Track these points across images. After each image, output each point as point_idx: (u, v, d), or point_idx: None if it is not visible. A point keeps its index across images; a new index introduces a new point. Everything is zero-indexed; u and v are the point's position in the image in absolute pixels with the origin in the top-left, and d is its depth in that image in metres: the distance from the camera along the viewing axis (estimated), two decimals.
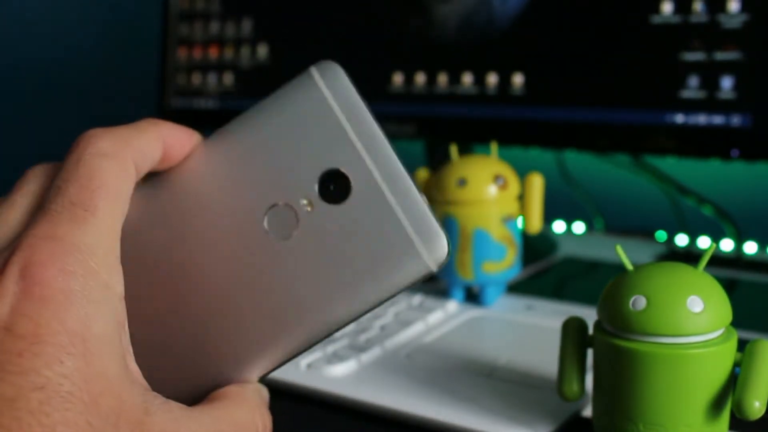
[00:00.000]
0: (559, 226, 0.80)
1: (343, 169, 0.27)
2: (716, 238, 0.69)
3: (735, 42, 0.53)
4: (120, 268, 0.25)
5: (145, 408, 0.24)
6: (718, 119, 0.54)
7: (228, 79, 0.79)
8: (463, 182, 0.52)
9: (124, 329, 0.25)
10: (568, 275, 0.65)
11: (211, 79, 0.80)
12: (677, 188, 0.72)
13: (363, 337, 0.47)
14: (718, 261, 0.66)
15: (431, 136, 0.69)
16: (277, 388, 0.42)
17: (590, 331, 0.34)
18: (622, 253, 0.33)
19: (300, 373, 0.43)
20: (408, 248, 0.26)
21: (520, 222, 0.55)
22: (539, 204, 0.55)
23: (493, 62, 0.63)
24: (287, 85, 0.28)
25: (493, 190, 0.52)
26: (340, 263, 0.26)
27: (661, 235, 0.74)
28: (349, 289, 0.26)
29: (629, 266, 0.33)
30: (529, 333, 0.49)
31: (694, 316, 0.30)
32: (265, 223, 0.27)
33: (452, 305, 0.53)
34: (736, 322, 0.32)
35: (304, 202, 0.27)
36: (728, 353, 0.31)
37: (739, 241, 0.68)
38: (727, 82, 0.53)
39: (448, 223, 0.52)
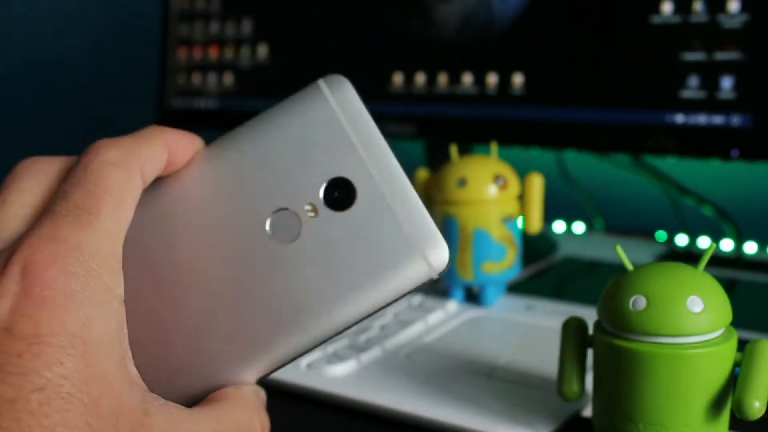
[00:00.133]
0: (559, 226, 0.80)
1: (348, 178, 0.27)
2: (716, 238, 0.69)
3: (735, 42, 0.53)
4: (121, 272, 0.25)
5: (144, 409, 0.24)
6: (718, 119, 0.54)
7: (228, 79, 0.79)
8: (463, 182, 0.52)
9: (124, 331, 0.25)
10: (568, 275, 0.65)
11: (211, 79, 0.80)
12: (677, 188, 0.72)
13: (363, 337, 0.47)
14: (718, 261, 0.66)
15: (431, 136, 0.69)
16: (277, 388, 0.42)
17: (590, 331, 0.34)
18: (622, 253, 0.33)
19: (300, 373, 0.43)
20: (410, 255, 0.27)
21: (520, 222, 0.55)
22: (539, 204, 0.55)
23: (493, 62, 0.63)
24: (294, 96, 0.29)
25: (493, 190, 0.52)
26: (341, 268, 0.27)
27: (661, 235, 0.74)
28: (350, 293, 0.27)
29: (629, 266, 0.33)
30: (529, 333, 0.49)
31: (694, 316, 0.30)
32: (268, 227, 0.27)
33: (452, 305, 0.53)
34: (736, 322, 0.32)
35: (308, 207, 0.27)
36: (728, 353, 0.31)
37: (739, 241, 0.68)
38: (727, 82, 0.53)
39: (448, 223, 0.52)
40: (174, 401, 0.25)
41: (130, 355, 0.25)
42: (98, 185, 0.25)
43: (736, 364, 0.31)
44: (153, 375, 0.26)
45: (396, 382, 0.41)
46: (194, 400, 0.27)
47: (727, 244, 0.69)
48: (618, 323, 0.31)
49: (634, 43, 0.57)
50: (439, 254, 0.27)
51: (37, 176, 0.27)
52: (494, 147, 0.56)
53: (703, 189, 0.72)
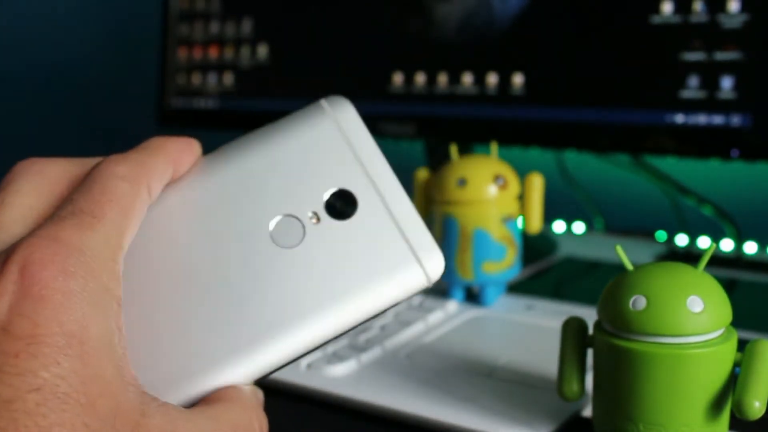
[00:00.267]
0: (559, 226, 0.80)
1: (350, 189, 0.29)
2: (716, 238, 0.69)
3: (735, 42, 0.53)
4: (120, 276, 0.25)
5: (142, 410, 0.24)
6: (718, 119, 0.54)
7: (228, 79, 0.79)
8: (463, 182, 0.52)
9: (122, 333, 0.25)
10: (568, 275, 0.65)
11: (211, 79, 0.80)
12: (677, 188, 0.72)
13: (363, 337, 0.47)
14: (718, 261, 0.66)
15: (431, 136, 0.69)
16: (277, 388, 0.42)
17: (590, 331, 0.34)
18: (622, 253, 0.33)
19: (300, 373, 0.43)
20: (407, 263, 0.28)
21: (520, 222, 0.55)
22: (539, 204, 0.55)
23: (493, 62, 0.63)
24: (296, 114, 0.30)
25: (493, 190, 0.52)
26: (340, 273, 0.28)
27: (661, 235, 0.74)
28: (348, 298, 0.27)
29: (629, 266, 0.33)
30: (529, 333, 0.49)
31: (694, 316, 0.30)
32: (271, 232, 0.28)
33: (452, 305, 0.53)
34: (736, 322, 0.32)
35: (311, 215, 0.28)
36: (728, 353, 0.31)
37: (739, 241, 0.68)
38: (727, 82, 0.53)
39: (448, 223, 0.52)
40: (172, 402, 0.25)
41: (128, 355, 0.25)
42: (104, 194, 0.25)
43: (736, 364, 0.31)
44: (151, 376, 0.26)
45: (396, 382, 0.41)
46: (192, 400, 0.27)
47: (727, 244, 0.69)
48: (618, 323, 0.31)
49: (634, 43, 0.57)
50: (435, 263, 0.28)
51: (35, 177, 0.27)
52: (494, 147, 0.56)
53: (703, 189, 0.72)
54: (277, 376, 0.42)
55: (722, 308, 0.31)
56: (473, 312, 0.53)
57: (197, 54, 0.81)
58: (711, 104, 0.54)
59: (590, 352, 0.34)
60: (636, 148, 0.59)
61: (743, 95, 0.53)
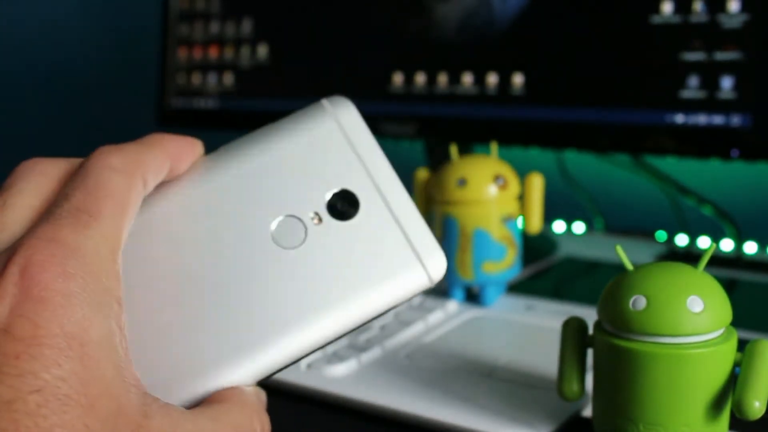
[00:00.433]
0: (559, 226, 0.80)
1: (352, 190, 0.29)
2: (716, 238, 0.69)
3: (735, 42, 0.53)
4: (120, 274, 0.25)
5: (143, 411, 0.24)
6: (718, 119, 0.54)
7: (228, 79, 0.79)
8: (463, 182, 0.52)
9: (123, 333, 0.25)
10: (568, 275, 0.65)
11: (211, 79, 0.80)
12: (677, 188, 0.72)
13: (363, 337, 0.47)
14: (718, 261, 0.66)
15: (431, 136, 0.69)
16: (277, 388, 0.42)
17: (590, 331, 0.34)
18: (622, 253, 0.33)
19: (300, 373, 0.43)
20: (409, 263, 0.28)
21: (520, 222, 0.55)
22: (539, 204, 0.55)
23: (493, 62, 0.63)
24: (297, 113, 0.30)
25: (493, 190, 0.52)
26: (342, 274, 0.28)
27: (661, 235, 0.74)
28: (350, 299, 0.27)
29: (629, 266, 0.33)
30: (529, 333, 0.49)
31: (694, 316, 0.30)
32: (272, 232, 0.28)
33: (452, 305, 0.53)
34: (736, 322, 0.32)
35: (312, 215, 0.28)
36: (728, 353, 0.31)
37: (739, 241, 0.68)
38: (727, 82, 0.53)
39: (448, 223, 0.52)
40: (174, 403, 0.25)
41: (130, 356, 0.25)
42: (99, 189, 0.25)
43: (736, 364, 0.31)
44: (152, 377, 0.26)
45: (396, 382, 0.41)
46: (194, 401, 0.27)
47: (727, 244, 0.69)
48: (618, 323, 0.31)
49: (634, 43, 0.57)
50: (438, 263, 0.28)
51: (37, 178, 0.26)
52: (494, 147, 0.56)
53: (703, 189, 0.72)
54: (276, 375, 0.42)
55: (722, 308, 0.31)
56: (473, 312, 0.53)
57: (197, 54, 0.81)
58: (711, 104, 0.54)
59: (590, 352, 0.34)
60: (636, 148, 0.59)
61: (743, 95, 0.53)
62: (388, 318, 0.50)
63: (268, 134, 0.30)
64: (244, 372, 0.27)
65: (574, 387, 0.34)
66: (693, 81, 0.54)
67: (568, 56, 0.60)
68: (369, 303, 0.27)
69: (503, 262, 0.53)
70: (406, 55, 0.67)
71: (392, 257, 0.28)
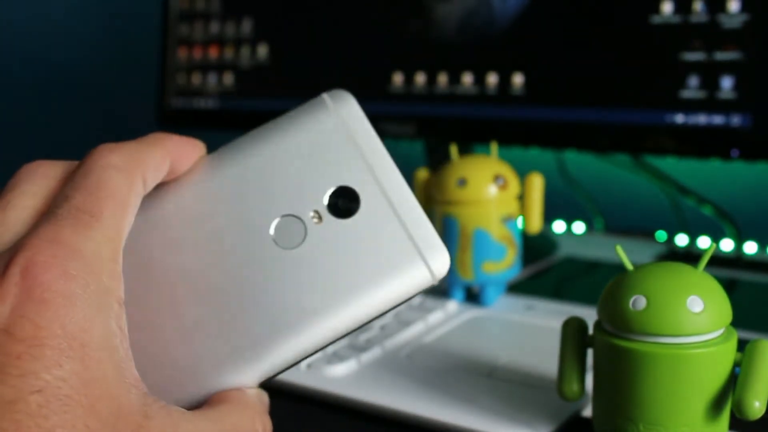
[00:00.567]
0: (559, 226, 0.80)
1: (352, 187, 0.28)
2: (716, 238, 0.69)
3: (735, 42, 0.53)
4: (121, 274, 0.25)
5: (144, 412, 0.24)
6: (718, 119, 0.54)
7: (228, 79, 0.79)
8: (463, 182, 0.52)
9: (124, 334, 0.25)
10: (568, 275, 0.65)
11: (211, 79, 0.80)
12: (677, 188, 0.72)
13: (363, 337, 0.47)
14: (718, 261, 0.66)
15: (431, 136, 0.69)
16: (278, 388, 0.42)
17: (590, 331, 0.34)
18: (622, 253, 0.33)
19: (300, 373, 0.43)
20: (412, 261, 0.27)
21: (520, 222, 0.55)
22: (539, 204, 0.55)
23: (493, 62, 0.63)
24: (298, 109, 0.30)
25: (493, 190, 0.52)
26: (343, 274, 0.27)
27: (661, 235, 0.74)
28: (352, 298, 0.27)
29: (629, 266, 0.33)
30: (529, 333, 0.49)
31: (694, 316, 0.30)
32: (272, 232, 0.28)
33: (452, 305, 0.53)
34: (736, 322, 0.32)
35: (313, 214, 0.28)
36: (728, 353, 0.31)
37: (739, 241, 0.68)
38: (727, 82, 0.53)
39: (448, 223, 0.52)
40: (175, 404, 0.25)
41: (131, 357, 0.25)
42: (100, 188, 0.25)
43: (736, 364, 0.31)
44: (153, 377, 0.26)
45: (396, 382, 0.41)
46: (195, 402, 0.26)
47: (727, 244, 0.69)
48: (618, 323, 0.31)
49: (634, 43, 0.57)
50: (441, 261, 0.27)
51: (40, 180, 0.27)
52: (494, 147, 0.56)
53: (703, 189, 0.72)
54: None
55: (722, 308, 0.31)
56: (473, 312, 0.53)
57: (197, 54, 0.81)
58: (711, 104, 0.54)
59: (590, 352, 0.34)
60: (636, 148, 0.59)
61: (743, 95, 0.53)
62: (388, 318, 0.50)
63: (268, 132, 0.29)
64: (246, 374, 0.27)
65: (574, 387, 0.34)
66: (693, 81, 0.54)
67: (568, 56, 0.60)
68: (371, 302, 0.27)
69: (503, 262, 0.53)
70: (406, 55, 0.67)
71: (394, 255, 0.27)
